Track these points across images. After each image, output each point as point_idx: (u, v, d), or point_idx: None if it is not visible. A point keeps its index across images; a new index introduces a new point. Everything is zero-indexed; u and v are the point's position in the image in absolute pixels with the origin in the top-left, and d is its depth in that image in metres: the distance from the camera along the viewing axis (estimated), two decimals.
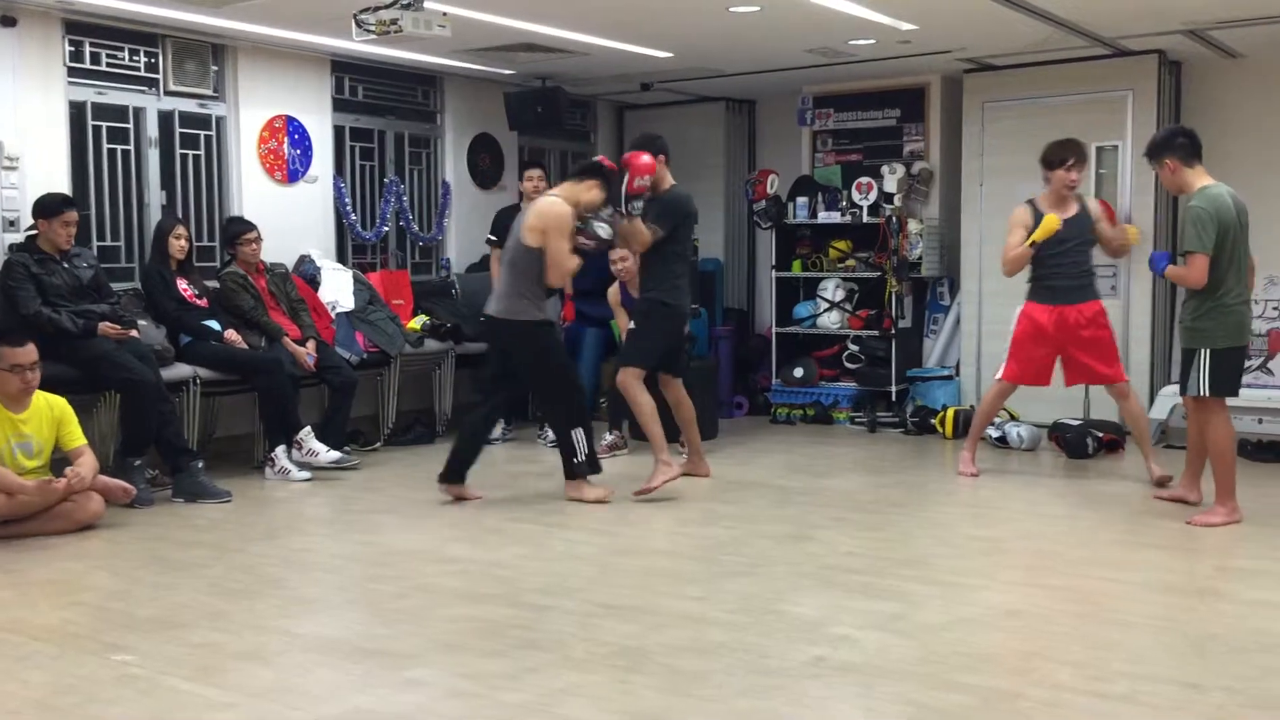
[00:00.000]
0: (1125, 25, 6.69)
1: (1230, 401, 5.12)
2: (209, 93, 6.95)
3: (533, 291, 5.53)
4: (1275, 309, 7.47)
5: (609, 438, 7.01)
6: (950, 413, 7.56)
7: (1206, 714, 2.99)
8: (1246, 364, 5.36)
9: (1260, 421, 7.02)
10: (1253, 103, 7.49)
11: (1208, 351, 4.99)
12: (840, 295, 8.37)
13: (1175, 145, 5.12)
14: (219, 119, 7.02)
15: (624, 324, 7.21)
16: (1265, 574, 4.37)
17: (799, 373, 8.37)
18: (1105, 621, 3.81)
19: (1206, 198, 4.99)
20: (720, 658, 3.43)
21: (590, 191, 5.67)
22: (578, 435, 5.64)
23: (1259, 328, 7.00)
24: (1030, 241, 5.80)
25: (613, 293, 7.26)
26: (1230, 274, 4.96)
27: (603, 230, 5.66)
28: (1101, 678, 3.25)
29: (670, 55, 7.39)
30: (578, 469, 5.67)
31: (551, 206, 5.57)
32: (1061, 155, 5.85)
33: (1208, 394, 5.02)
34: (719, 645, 3.54)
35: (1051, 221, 5.74)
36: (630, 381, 5.85)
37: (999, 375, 6.14)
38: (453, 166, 8.37)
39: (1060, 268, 5.86)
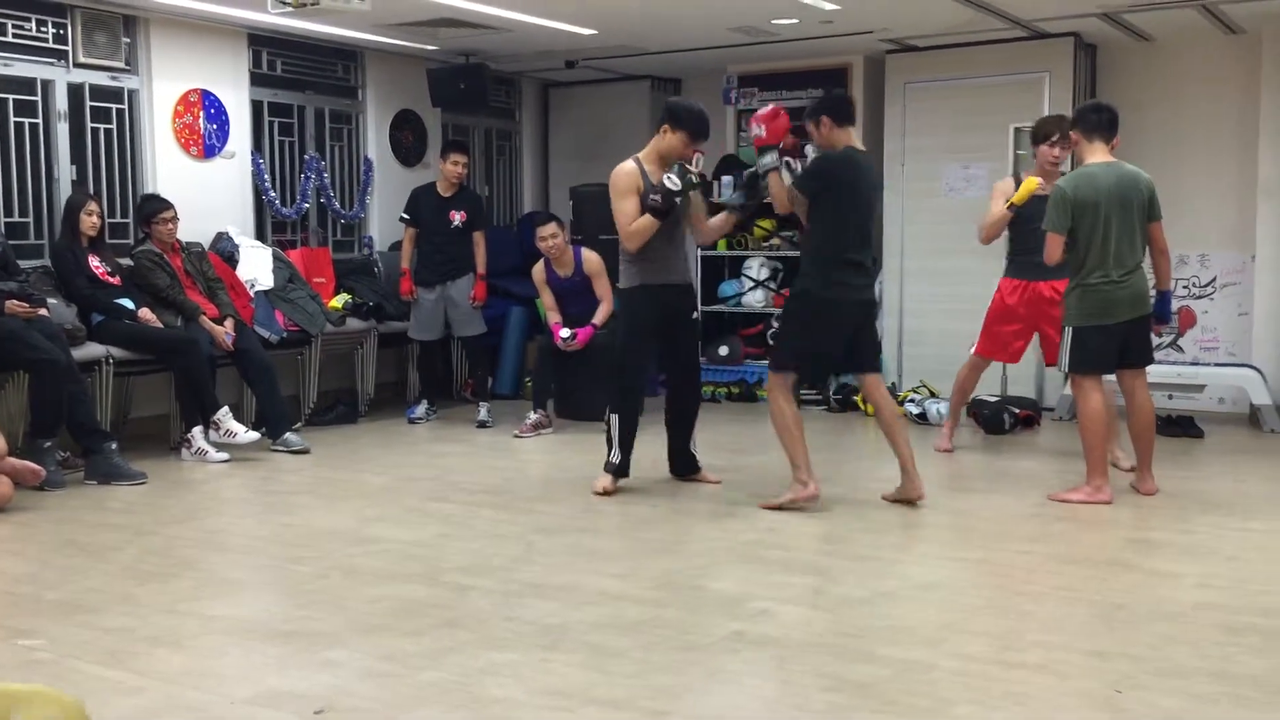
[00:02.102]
0: (1042, 8, 6.80)
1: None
2: (121, 65, 6.77)
3: (628, 257, 5.24)
4: (1185, 288, 7.67)
5: (533, 416, 6.99)
6: None
7: (1111, 681, 3.07)
8: (1157, 342, 5.48)
9: (1170, 397, 7.22)
10: (1163, 85, 7.66)
11: (1070, 329, 5.11)
12: (765, 274, 8.42)
13: (1081, 119, 5.21)
14: (131, 92, 6.84)
15: (548, 303, 7.20)
16: (1170, 546, 4.49)
17: (724, 351, 8.42)
18: (1017, 593, 3.89)
19: (1071, 177, 5.11)
20: (640, 634, 3.45)
21: (665, 138, 5.18)
22: (612, 422, 5.30)
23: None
24: (1009, 204, 5.81)
25: (537, 270, 7.24)
26: (1094, 253, 4.99)
27: (671, 183, 5.05)
28: (1012, 648, 3.32)
29: (594, 32, 7.35)
30: (607, 464, 5.33)
31: (615, 169, 5.24)
32: (1045, 130, 5.85)
33: (1066, 369, 5.18)
34: (639, 622, 3.56)
35: (1031, 183, 5.69)
36: (771, 387, 5.06)
37: (972, 349, 6.25)
38: (375, 143, 8.25)
39: (1035, 244, 5.90)
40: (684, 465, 5.60)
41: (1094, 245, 5.00)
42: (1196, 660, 3.22)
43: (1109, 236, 4.99)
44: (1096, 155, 5.09)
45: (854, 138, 5.05)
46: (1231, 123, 7.47)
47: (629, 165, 5.22)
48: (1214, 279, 7.68)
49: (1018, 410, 7.00)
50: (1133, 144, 6.81)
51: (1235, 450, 6.43)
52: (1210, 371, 7.28)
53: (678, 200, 5.11)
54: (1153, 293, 5.19)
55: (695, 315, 5.60)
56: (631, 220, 5.13)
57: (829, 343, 5.00)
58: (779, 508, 4.95)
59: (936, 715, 2.86)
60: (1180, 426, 6.77)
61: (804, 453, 4.98)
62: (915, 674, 3.13)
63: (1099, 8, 6.76)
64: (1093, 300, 5.04)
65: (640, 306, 5.25)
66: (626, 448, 5.30)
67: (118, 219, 6.81)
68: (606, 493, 5.27)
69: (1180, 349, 7.76)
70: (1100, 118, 5.13)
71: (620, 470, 5.32)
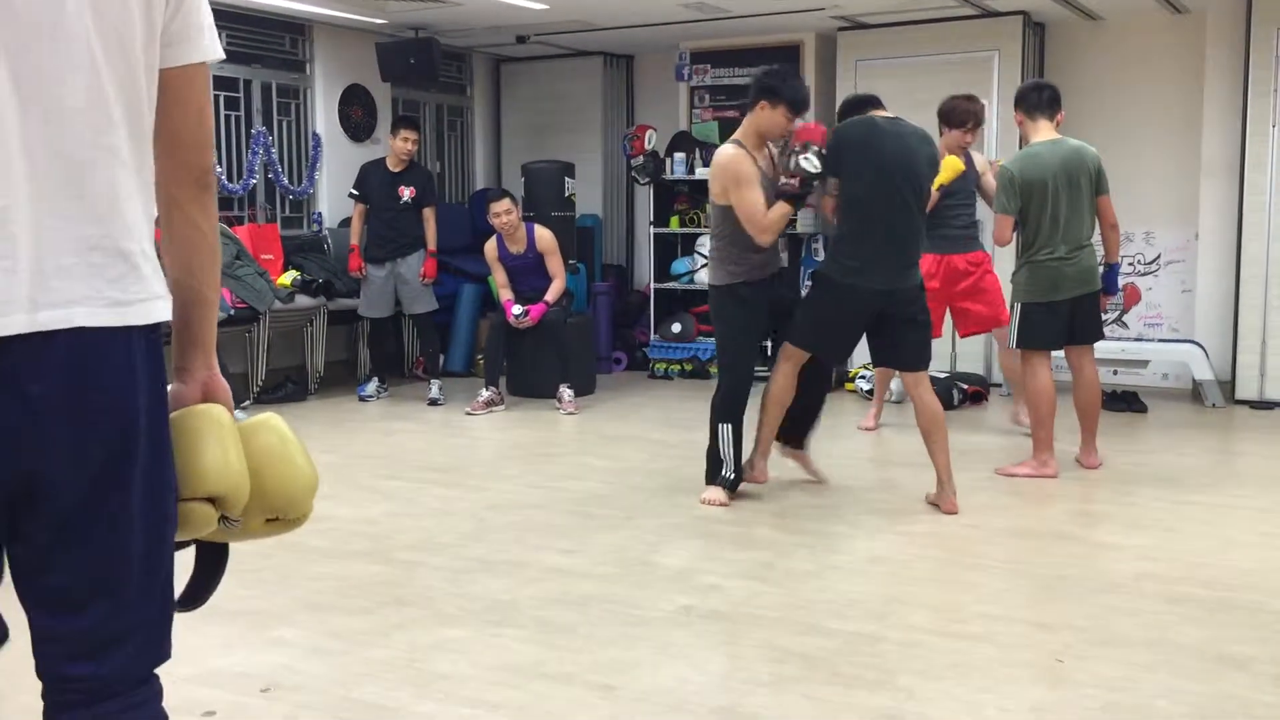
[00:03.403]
0: None
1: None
2: None
3: (726, 253, 4.70)
4: (1130, 265, 7.77)
5: (485, 394, 6.96)
6: None
7: (1053, 651, 3.12)
8: (1105, 317, 5.54)
9: (1115, 373, 7.32)
10: (1111, 65, 7.73)
11: (1019, 306, 5.18)
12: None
13: (1023, 100, 5.25)
14: None
15: (500, 280, 7.15)
16: (1113, 518, 4.56)
17: (677, 328, 8.43)
18: (964, 566, 3.94)
19: (1017, 159, 5.18)
20: (590, 609, 3.45)
21: (762, 114, 4.63)
22: (723, 432, 4.74)
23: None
24: (937, 185, 5.82)
25: (489, 247, 7.19)
26: (1043, 232, 5.04)
27: (809, 164, 4.52)
28: (957, 619, 3.37)
29: (545, 7, 7.29)
30: (721, 479, 4.76)
31: (719, 157, 4.67)
32: (962, 120, 5.84)
33: (1013, 345, 5.26)
34: (589, 597, 3.56)
35: (955, 163, 5.74)
36: (780, 355, 4.77)
37: None
38: (324, 118, 8.15)
39: (949, 218, 5.96)
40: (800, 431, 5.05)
41: (1043, 224, 5.04)
42: (1137, 630, 3.28)
43: (1058, 215, 5.04)
44: (1041, 134, 5.14)
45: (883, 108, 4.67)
46: (1177, 102, 7.57)
47: (738, 151, 4.62)
48: (1159, 256, 7.79)
49: (966, 386, 7.07)
50: (1080, 122, 6.89)
51: (1178, 425, 6.54)
52: (1154, 347, 7.39)
53: (815, 184, 4.62)
54: (1102, 266, 5.24)
55: (796, 296, 5.10)
56: (762, 211, 4.53)
57: (842, 333, 4.72)
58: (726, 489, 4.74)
59: (882, 686, 2.89)
60: (1124, 402, 6.87)
61: (767, 436, 4.82)
62: (861, 646, 3.16)
63: None
64: (1041, 277, 5.09)
65: (745, 305, 4.71)
66: (740, 458, 4.79)
67: None
68: (720, 504, 4.73)
69: (1125, 325, 7.87)
70: (1041, 96, 5.18)
71: (736, 485, 4.81)
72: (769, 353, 5.20)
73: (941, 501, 4.60)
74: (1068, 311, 5.12)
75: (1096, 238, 5.20)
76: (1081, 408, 5.32)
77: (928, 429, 4.61)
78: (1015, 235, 5.21)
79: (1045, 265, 5.07)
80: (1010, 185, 5.03)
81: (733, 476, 4.76)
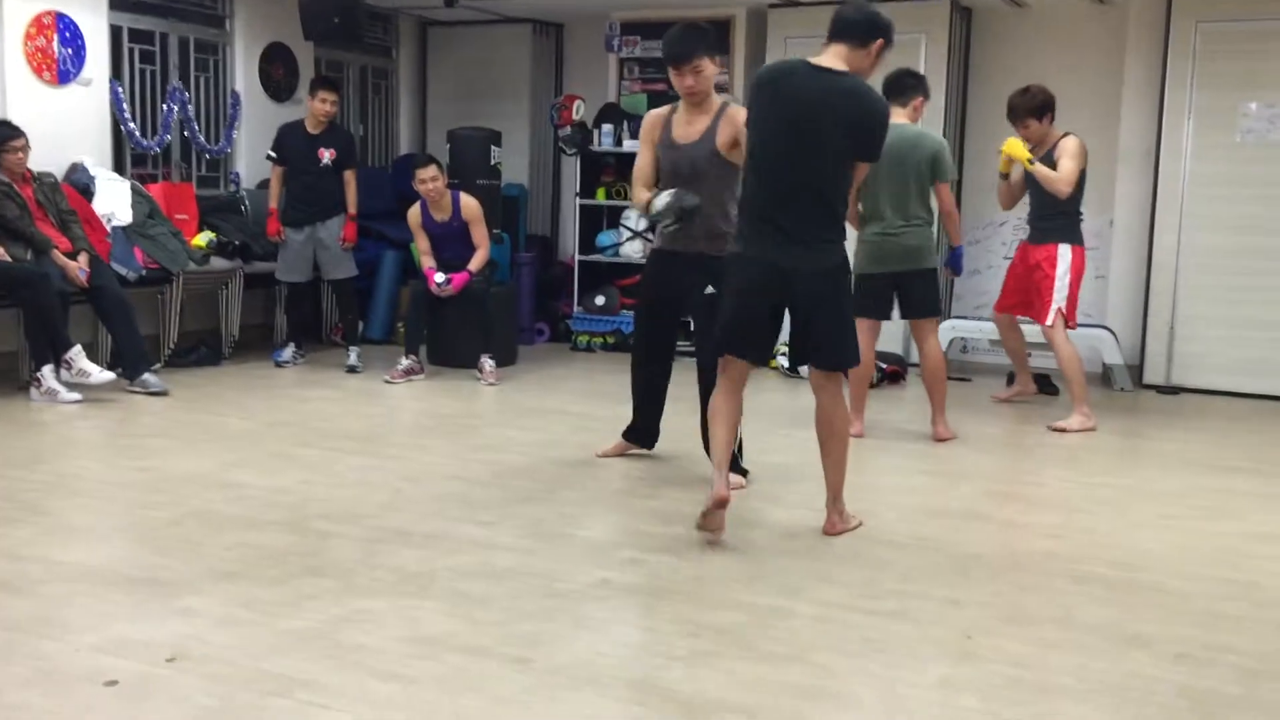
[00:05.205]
0: None
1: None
2: None
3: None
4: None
5: (405, 362, 6.88)
6: None
7: (963, 627, 3.17)
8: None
9: (1029, 355, 7.44)
10: (1035, 51, 7.83)
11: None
12: (644, 225, 8.39)
13: (883, 85, 5.36)
14: None
15: (424, 246, 7.05)
16: (1023, 498, 4.67)
17: (600, 301, 8.40)
18: (878, 542, 3.98)
19: None
20: (507, 582, 3.43)
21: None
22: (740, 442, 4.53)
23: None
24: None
25: (413, 213, 7.08)
26: (868, 208, 5.42)
27: (659, 206, 4.45)
28: (870, 595, 3.41)
29: None
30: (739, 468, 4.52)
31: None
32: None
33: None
34: (507, 570, 3.54)
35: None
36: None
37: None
38: (243, 76, 7.94)
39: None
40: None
41: (867, 200, 5.42)
42: (1044, 608, 3.35)
43: (878, 193, 5.37)
44: (892, 118, 5.29)
45: (828, 55, 3.84)
46: (1097, 91, 7.69)
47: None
48: None
49: (884, 366, 7.15)
50: (995, 109, 6.95)
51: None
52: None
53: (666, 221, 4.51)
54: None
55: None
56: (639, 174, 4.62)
57: (745, 311, 3.90)
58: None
59: (795, 661, 2.92)
60: (1037, 384, 7.00)
61: (718, 449, 3.93)
62: (775, 620, 3.18)
63: None
64: (864, 250, 5.47)
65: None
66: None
67: None
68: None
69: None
70: (894, 84, 5.46)
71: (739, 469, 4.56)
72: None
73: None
74: (890, 284, 5.44)
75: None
76: (925, 381, 5.63)
77: (823, 438, 4.04)
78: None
79: (868, 240, 5.47)
80: None
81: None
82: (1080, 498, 4.66)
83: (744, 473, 4.66)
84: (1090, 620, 3.26)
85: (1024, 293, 6.17)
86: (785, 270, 3.80)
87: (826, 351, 3.95)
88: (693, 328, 4.90)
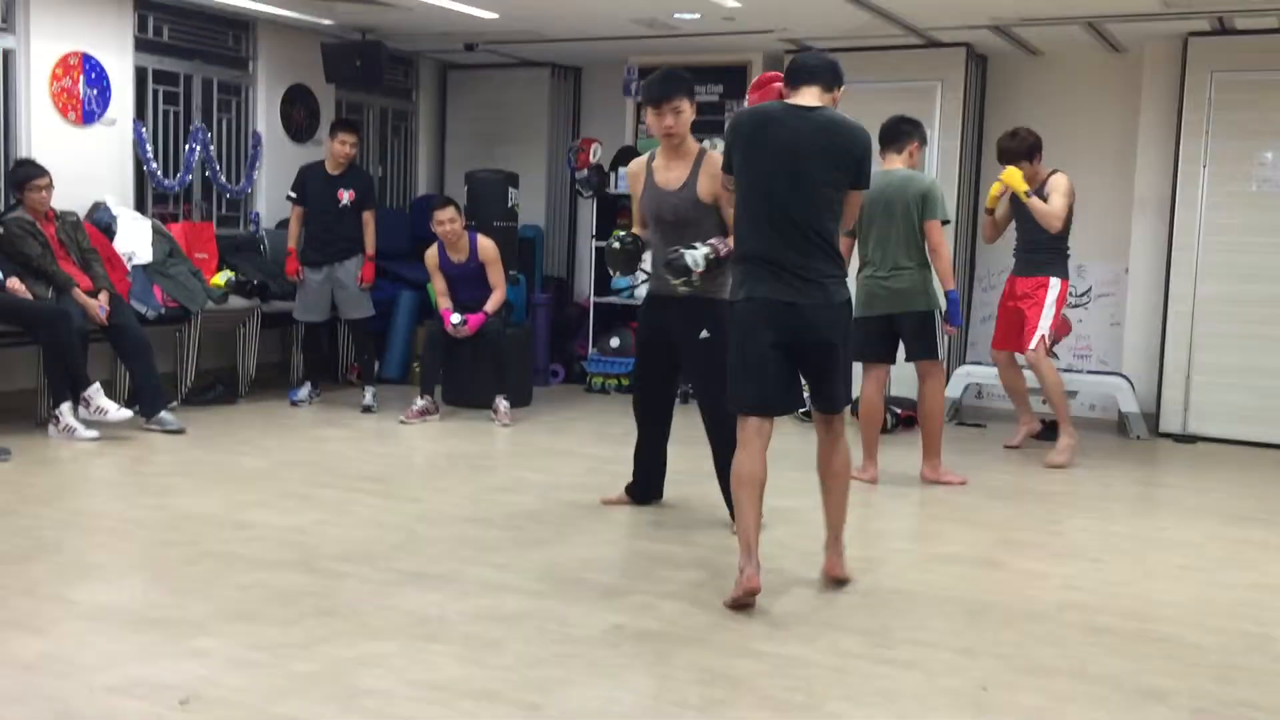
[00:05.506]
0: (937, 17, 6.94)
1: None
2: None
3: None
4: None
5: (420, 402, 6.90)
6: None
7: (978, 679, 3.15)
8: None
9: (1044, 402, 7.42)
10: (1049, 99, 7.87)
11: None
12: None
13: (880, 132, 5.49)
14: (7, 52, 6.54)
15: (440, 288, 7.10)
16: (1038, 546, 4.64)
17: (615, 342, 8.42)
18: (892, 590, 3.97)
19: None
20: (520, 626, 3.43)
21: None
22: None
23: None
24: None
25: (430, 254, 7.14)
26: (862, 252, 5.56)
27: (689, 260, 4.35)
28: (884, 644, 3.39)
29: (495, 16, 7.26)
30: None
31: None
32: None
33: None
34: (519, 614, 3.54)
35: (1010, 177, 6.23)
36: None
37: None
38: (265, 117, 8.04)
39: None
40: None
41: (860, 244, 5.56)
42: (1058, 660, 3.33)
43: (869, 237, 5.50)
44: (885, 164, 5.51)
45: (804, 97, 3.83)
46: (1112, 138, 7.73)
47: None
48: (1090, 289, 7.94)
49: (899, 410, 7.14)
50: None
51: (1103, 455, 6.66)
52: (1083, 379, 7.52)
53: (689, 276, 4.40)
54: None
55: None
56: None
57: (766, 359, 3.74)
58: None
59: (810, 711, 2.90)
60: (1053, 431, 6.96)
61: (746, 530, 3.71)
62: (791, 669, 3.17)
63: (990, 20, 6.93)
64: (859, 294, 5.49)
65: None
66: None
67: None
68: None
69: (1056, 356, 7.99)
70: (890, 131, 5.58)
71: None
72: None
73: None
74: (883, 327, 5.53)
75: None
76: (920, 422, 5.70)
77: (828, 481, 4.05)
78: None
79: (862, 284, 5.54)
80: None
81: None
82: (1095, 547, 4.63)
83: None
84: (1105, 672, 3.24)
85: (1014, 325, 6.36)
86: (799, 307, 3.72)
87: (826, 391, 3.91)
88: (691, 375, 4.83)
